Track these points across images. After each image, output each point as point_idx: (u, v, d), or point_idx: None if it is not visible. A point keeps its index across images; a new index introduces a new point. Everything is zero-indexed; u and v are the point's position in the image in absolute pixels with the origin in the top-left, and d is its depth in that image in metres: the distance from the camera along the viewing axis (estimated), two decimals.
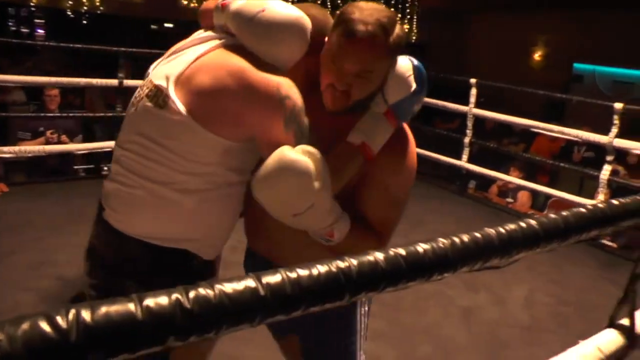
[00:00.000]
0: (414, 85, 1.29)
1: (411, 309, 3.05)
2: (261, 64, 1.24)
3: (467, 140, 5.40)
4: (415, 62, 1.32)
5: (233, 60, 1.24)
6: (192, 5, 10.02)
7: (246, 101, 1.20)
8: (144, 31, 11.83)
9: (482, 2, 10.46)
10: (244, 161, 1.31)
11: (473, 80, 5.18)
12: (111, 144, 4.95)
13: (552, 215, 0.81)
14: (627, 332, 1.14)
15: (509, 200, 5.70)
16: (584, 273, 3.89)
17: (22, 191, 4.41)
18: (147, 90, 1.29)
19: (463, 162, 5.47)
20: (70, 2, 9.49)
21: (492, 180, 5.85)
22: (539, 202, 5.88)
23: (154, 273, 1.31)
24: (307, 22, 1.29)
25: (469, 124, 5.37)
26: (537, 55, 10.62)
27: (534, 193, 5.60)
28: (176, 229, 1.30)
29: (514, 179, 5.44)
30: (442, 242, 0.62)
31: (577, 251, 4.11)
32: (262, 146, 1.23)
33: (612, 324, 1.17)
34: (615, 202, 0.97)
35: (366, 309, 1.52)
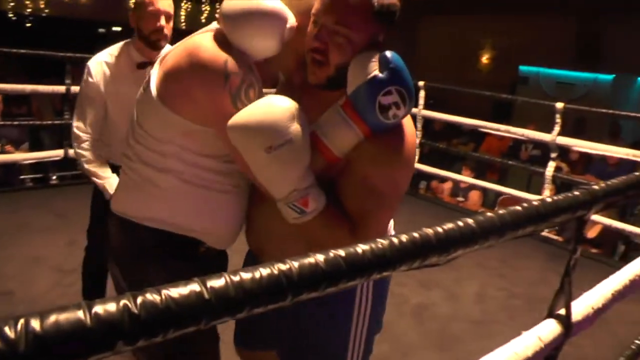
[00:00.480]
0: (374, 72, 1.15)
1: None
2: (226, 46, 1.24)
3: (417, 141, 5.53)
4: (386, 51, 1.19)
5: (194, 39, 1.29)
6: None
7: (193, 76, 1.22)
8: (91, 35, 11.58)
9: (430, 5, 10.69)
10: (218, 148, 1.29)
11: (421, 83, 5.30)
12: (60, 152, 4.84)
13: (489, 214, 0.85)
14: (564, 321, 1.21)
15: (460, 199, 5.84)
16: (532, 267, 4.03)
17: None
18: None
19: None
20: (12, 4, 9.19)
21: (443, 180, 6.00)
22: (490, 199, 6.06)
23: (161, 256, 1.34)
24: (282, 14, 1.24)
25: (419, 125, 5.49)
26: (484, 58, 10.93)
27: (485, 191, 5.77)
28: (162, 210, 1.33)
29: (465, 178, 5.59)
30: (381, 242, 0.65)
31: (526, 246, 4.26)
32: (214, 125, 1.25)
33: (551, 314, 1.23)
34: (548, 199, 1.02)
35: (363, 324, 1.45)
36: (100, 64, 2.31)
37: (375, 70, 1.16)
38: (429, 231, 0.72)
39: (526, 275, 3.86)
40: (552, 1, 9.18)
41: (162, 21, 2.19)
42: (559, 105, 4.39)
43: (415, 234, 0.70)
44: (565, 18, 9.49)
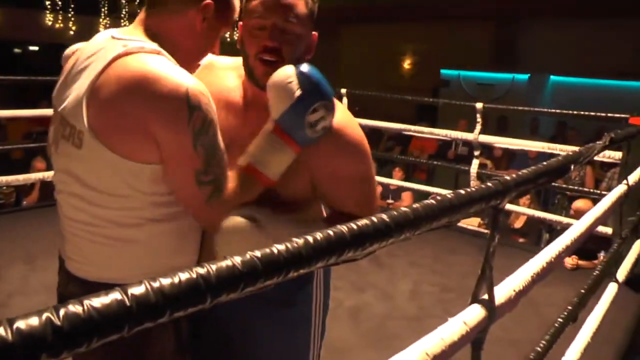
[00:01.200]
0: (297, 92, 1.16)
1: None
2: (173, 66, 1.13)
3: None
4: (301, 67, 1.19)
5: (137, 65, 1.10)
6: (57, 25, 9.54)
7: (149, 108, 1.08)
8: (6, 55, 11.10)
9: (351, 13, 10.93)
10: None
11: (343, 90, 5.40)
12: None
13: (403, 208, 0.91)
14: (488, 305, 1.28)
15: (390, 201, 5.98)
16: (464, 261, 4.18)
17: None
18: (61, 129, 1.18)
19: None
20: None
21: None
22: (422, 199, 6.23)
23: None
24: None
25: None
26: (406, 64, 11.26)
27: (415, 192, 5.95)
28: (150, 259, 1.21)
29: (392, 181, 5.74)
30: (296, 241, 0.69)
31: (457, 242, 4.42)
32: (166, 164, 1.12)
33: (475, 299, 1.30)
34: (462, 191, 1.09)
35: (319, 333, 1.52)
36: None
37: (297, 90, 1.16)
38: (343, 228, 0.77)
39: (458, 270, 4.00)
40: (469, 7, 9.60)
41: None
42: (479, 105, 4.60)
43: (330, 231, 0.74)
44: (482, 23, 9.95)
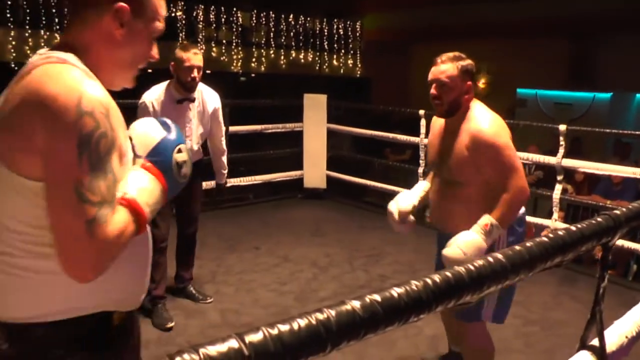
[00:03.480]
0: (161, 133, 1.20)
1: (379, 342, 3.04)
2: (74, 74, 1.03)
3: (421, 170, 5.48)
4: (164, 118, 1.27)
5: (36, 73, 1.03)
6: None
7: (36, 114, 0.98)
8: None
9: (422, 33, 10.82)
10: None
11: (422, 112, 5.30)
12: None
13: (517, 247, 0.84)
14: (599, 353, 1.17)
15: None
16: (545, 291, 3.97)
17: None
18: None
19: None
20: (14, 54, 9.33)
21: None
22: None
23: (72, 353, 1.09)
24: None
25: (422, 154, 5.46)
26: (481, 83, 11.01)
27: None
28: (65, 294, 1.07)
29: None
30: (415, 284, 0.63)
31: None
32: (46, 175, 0.99)
33: (584, 345, 1.20)
34: (573, 228, 1.01)
35: None
36: (150, 102, 3.01)
37: (162, 131, 1.20)
38: (461, 269, 0.71)
39: (538, 300, 3.80)
40: (547, 22, 9.30)
41: (195, 73, 2.99)
42: (562, 127, 4.39)
43: (448, 273, 0.68)
44: (560, 39, 9.60)
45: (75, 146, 0.97)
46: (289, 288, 3.70)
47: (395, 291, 0.60)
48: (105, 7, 1.08)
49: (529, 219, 4.77)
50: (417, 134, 5.44)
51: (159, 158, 1.14)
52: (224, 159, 3.42)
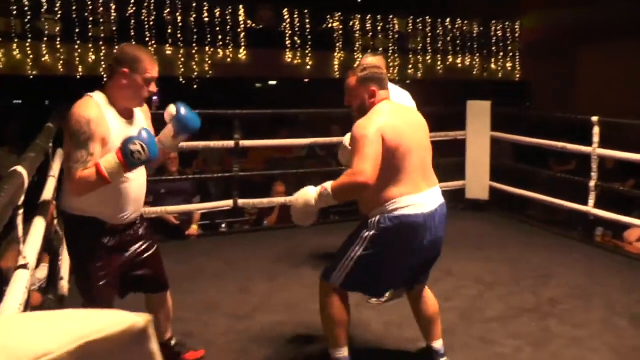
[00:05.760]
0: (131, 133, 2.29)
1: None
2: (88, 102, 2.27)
3: (592, 183, 4.93)
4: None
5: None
6: (295, 62, 10.34)
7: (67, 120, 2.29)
8: (249, 90, 12.35)
9: (590, 31, 9.89)
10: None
11: (595, 119, 4.76)
12: (229, 202, 5.08)
13: None
14: None
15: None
16: None
17: None
18: None
19: (590, 208, 4.95)
20: (182, 69, 10.13)
21: (624, 226, 5.24)
22: None
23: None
24: None
25: (594, 165, 4.90)
26: None
27: None
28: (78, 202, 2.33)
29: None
30: None
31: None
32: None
33: None
34: None
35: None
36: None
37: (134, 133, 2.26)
38: None
39: None
40: None
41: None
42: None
43: None
44: None
45: (69, 136, 2.21)
46: (453, 304, 3.48)
47: None
48: (117, 70, 2.30)
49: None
50: (584, 142, 4.93)
51: (121, 146, 2.16)
52: None
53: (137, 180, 2.42)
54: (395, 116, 2.49)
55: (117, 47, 2.58)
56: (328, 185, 2.40)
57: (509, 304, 3.53)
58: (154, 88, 2.35)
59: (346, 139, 2.94)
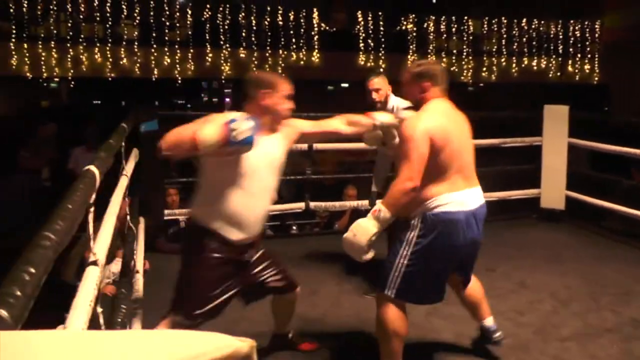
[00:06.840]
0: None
1: None
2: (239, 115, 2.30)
3: None
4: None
5: None
6: (368, 64, 10.35)
7: None
8: (322, 92, 12.46)
9: None
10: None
11: None
12: (301, 204, 5.17)
13: None
14: None
15: None
16: None
17: None
18: None
19: None
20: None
21: None
22: None
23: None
24: None
25: None
26: None
27: None
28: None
29: None
30: None
31: None
32: None
33: None
34: None
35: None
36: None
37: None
38: None
39: None
40: None
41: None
42: None
43: None
44: None
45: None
46: (528, 319, 3.41)
47: None
48: (256, 92, 2.47)
49: None
50: None
51: (227, 125, 2.16)
52: None
53: (260, 202, 2.49)
54: (445, 116, 2.50)
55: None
56: (379, 205, 2.38)
57: (586, 322, 3.41)
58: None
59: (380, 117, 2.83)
